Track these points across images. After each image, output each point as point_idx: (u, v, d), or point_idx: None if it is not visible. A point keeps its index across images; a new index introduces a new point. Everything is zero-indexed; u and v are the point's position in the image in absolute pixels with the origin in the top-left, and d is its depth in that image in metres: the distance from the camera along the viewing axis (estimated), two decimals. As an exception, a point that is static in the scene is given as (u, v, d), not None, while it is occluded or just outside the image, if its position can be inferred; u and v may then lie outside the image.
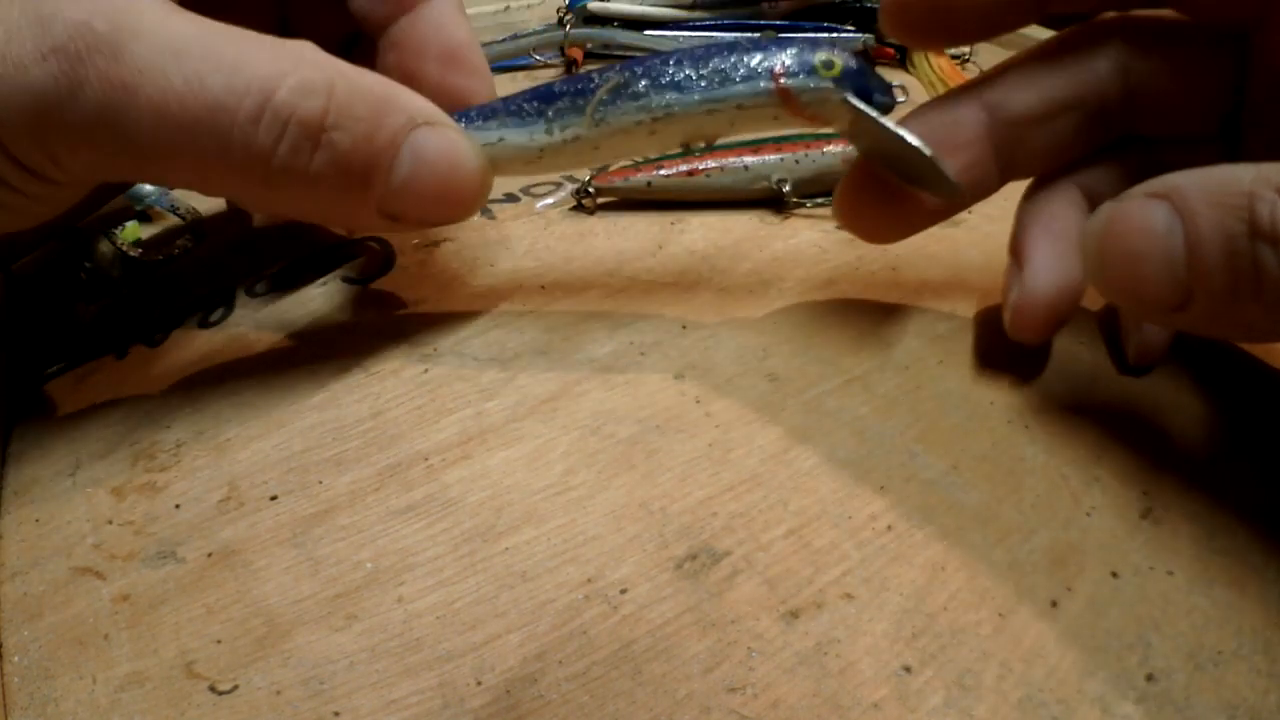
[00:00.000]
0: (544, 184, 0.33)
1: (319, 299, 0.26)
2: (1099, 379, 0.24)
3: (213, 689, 0.16)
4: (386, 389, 0.23)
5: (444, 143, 0.21)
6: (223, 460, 0.21)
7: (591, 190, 0.31)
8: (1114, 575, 0.19)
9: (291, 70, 0.19)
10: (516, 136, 0.23)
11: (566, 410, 0.22)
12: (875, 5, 0.49)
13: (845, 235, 0.29)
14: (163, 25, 0.18)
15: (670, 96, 0.22)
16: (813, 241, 0.30)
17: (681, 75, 0.22)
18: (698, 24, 0.48)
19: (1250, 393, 0.24)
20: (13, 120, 0.17)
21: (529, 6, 0.51)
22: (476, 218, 0.30)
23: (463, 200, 0.22)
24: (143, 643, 0.17)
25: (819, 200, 0.32)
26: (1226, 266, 0.16)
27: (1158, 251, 0.17)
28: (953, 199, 0.23)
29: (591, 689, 0.16)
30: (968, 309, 0.26)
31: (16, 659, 0.17)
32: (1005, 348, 0.25)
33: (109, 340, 0.24)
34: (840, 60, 0.22)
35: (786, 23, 0.48)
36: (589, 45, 0.46)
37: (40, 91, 0.17)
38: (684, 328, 0.25)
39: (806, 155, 0.31)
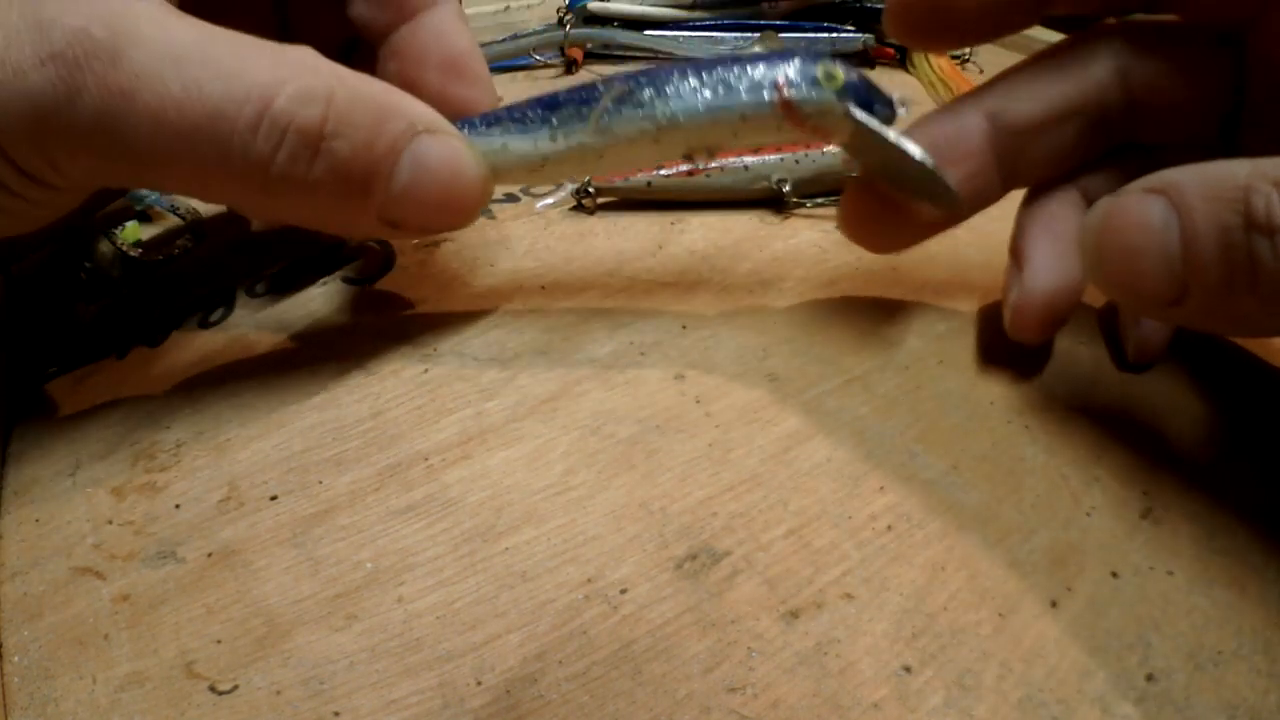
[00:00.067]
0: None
1: (319, 299, 0.26)
2: (1099, 379, 0.24)
3: (213, 689, 0.16)
4: (386, 389, 0.23)
5: (445, 150, 0.21)
6: (223, 460, 0.21)
7: (591, 190, 0.31)
8: (1114, 575, 0.19)
9: (290, 77, 0.19)
10: (520, 144, 0.22)
11: (566, 410, 0.22)
12: (875, 5, 0.49)
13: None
14: (161, 31, 0.18)
15: (675, 106, 0.22)
16: (813, 241, 0.30)
17: (686, 86, 0.22)
18: (698, 24, 0.48)
19: (1250, 393, 0.24)
20: (12, 125, 0.17)
21: (529, 6, 0.51)
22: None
23: (463, 207, 0.22)
24: (143, 643, 0.17)
25: (819, 200, 0.32)
26: (1222, 260, 0.16)
27: (1154, 245, 0.17)
28: (953, 210, 0.23)
29: (591, 689, 0.16)
30: (968, 309, 0.26)
31: (16, 659, 0.17)
32: (1005, 347, 0.25)
33: (109, 341, 0.24)
34: (842, 72, 0.22)
35: (786, 23, 0.48)
36: (589, 45, 0.46)
37: (39, 98, 0.17)
38: (684, 328, 0.25)
39: (806, 155, 0.31)
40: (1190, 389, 0.24)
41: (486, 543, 0.19)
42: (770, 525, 0.19)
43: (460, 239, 0.29)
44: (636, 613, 0.18)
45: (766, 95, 0.22)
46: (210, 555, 0.18)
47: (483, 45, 0.44)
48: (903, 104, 0.23)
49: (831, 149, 0.32)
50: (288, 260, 0.28)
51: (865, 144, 0.22)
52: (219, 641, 0.17)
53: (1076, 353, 0.25)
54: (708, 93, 0.22)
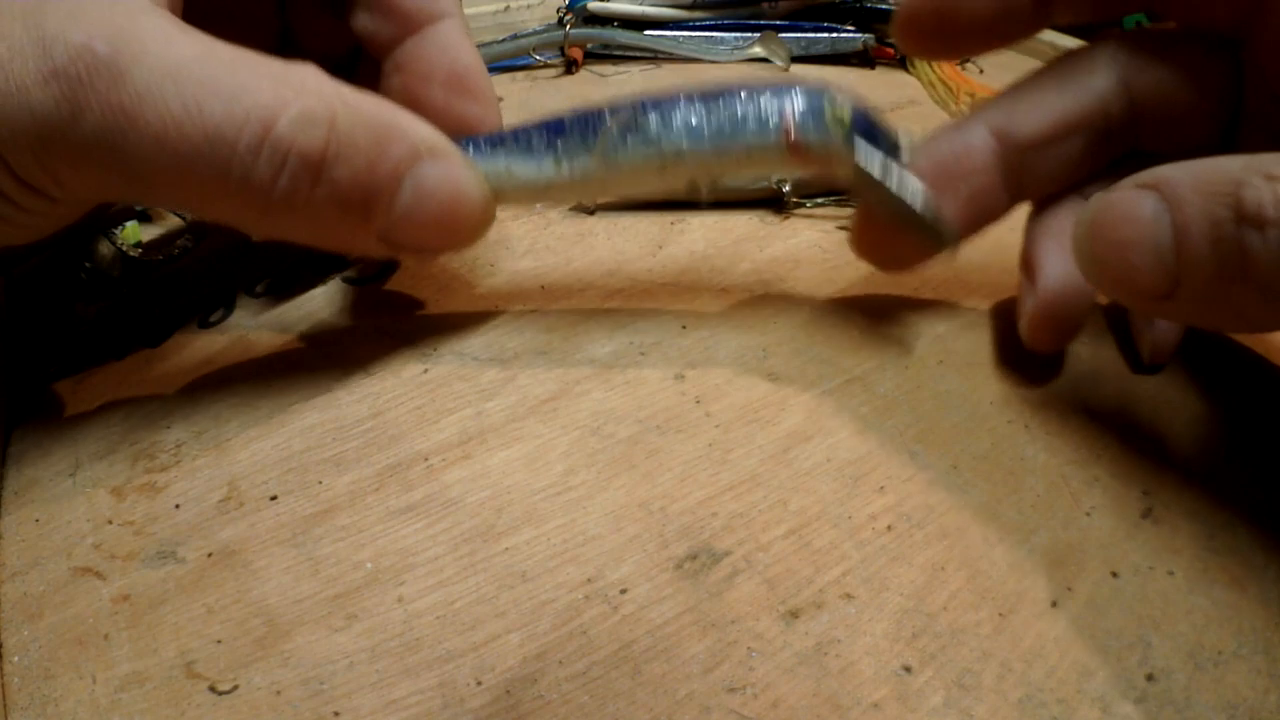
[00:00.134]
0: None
1: (319, 300, 0.26)
2: (1099, 379, 0.24)
3: (213, 689, 0.16)
4: (386, 389, 0.23)
5: (447, 174, 0.21)
6: (223, 460, 0.21)
7: (591, 190, 0.31)
8: (1114, 575, 0.19)
9: (293, 99, 0.18)
10: (524, 169, 0.22)
11: (566, 410, 0.22)
12: (875, 5, 0.49)
13: (845, 235, 0.29)
14: (165, 47, 0.18)
15: (681, 139, 0.22)
16: (813, 241, 0.30)
17: (693, 117, 0.22)
18: (698, 24, 0.48)
19: (1250, 393, 0.24)
20: (15, 139, 0.17)
21: (529, 6, 0.51)
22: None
23: (465, 231, 0.22)
24: (143, 643, 0.17)
25: (819, 200, 0.32)
26: (1213, 253, 0.16)
27: (1145, 239, 0.17)
28: (949, 250, 0.23)
29: (591, 689, 0.16)
30: (968, 309, 0.26)
31: (16, 659, 0.17)
32: (1005, 347, 0.25)
33: (110, 343, 0.24)
34: (849, 112, 0.22)
35: (786, 23, 0.48)
36: (589, 45, 0.46)
37: (42, 114, 0.17)
38: (684, 328, 0.25)
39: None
40: (1190, 389, 0.24)
41: (486, 543, 0.19)
42: (770, 525, 0.19)
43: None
44: (636, 613, 0.18)
45: (773, 132, 0.22)
46: (210, 555, 0.18)
47: (483, 45, 0.44)
48: (905, 142, 0.23)
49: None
50: (288, 261, 0.28)
51: (865, 182, 0.23)
52: (219, 641, 0.17)
53: (1076, 353, 0.25)
54: (714, 127, 0.22)
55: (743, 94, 0.22)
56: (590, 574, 0.18)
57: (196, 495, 0.20)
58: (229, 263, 0.28)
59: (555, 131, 0.22)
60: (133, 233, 0.28)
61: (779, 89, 0.22)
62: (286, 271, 0.27)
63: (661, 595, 0.18)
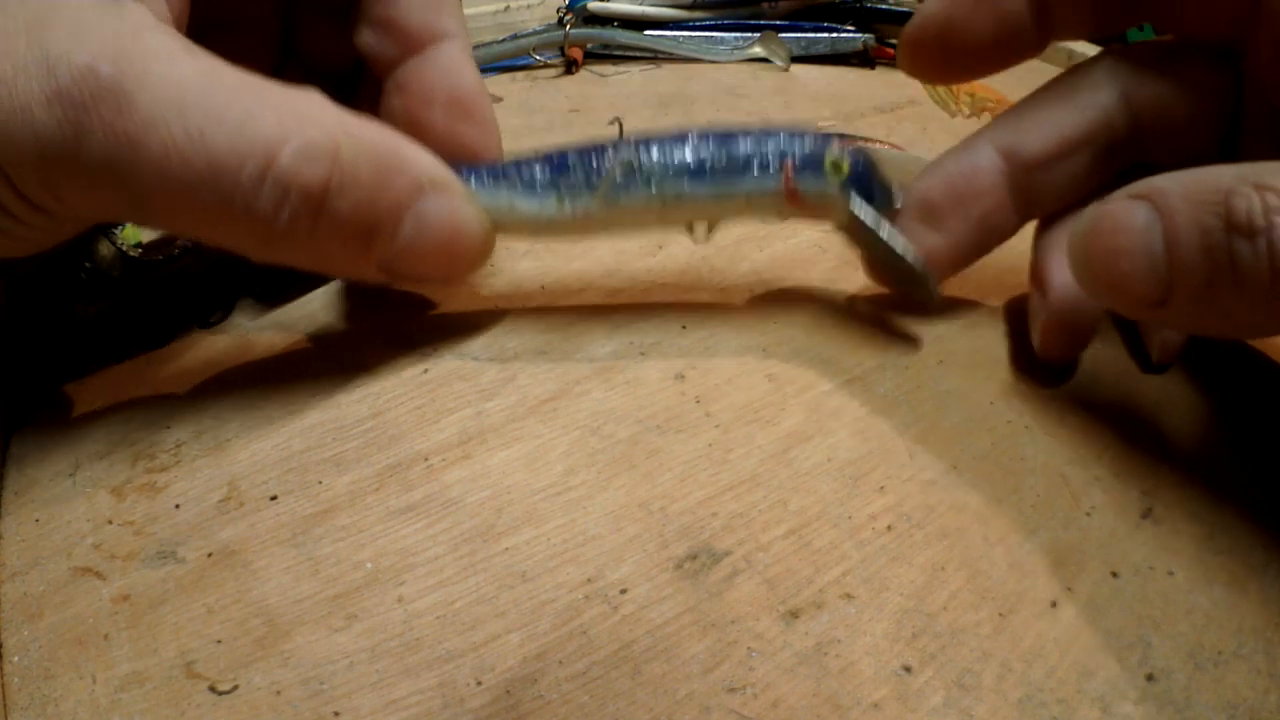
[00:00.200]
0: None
1: (319, 300, 0.26)
2: (1099, 379, 0.24)
3: (213, 689, 0.16)
4: (386, 389, 0.23)
5: (448, 209, 0.21)
6: (223, 460, 0.21)
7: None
8: (1114, 575, 0.19)
9: (296, 130, 0.18)
10: (526, 205, 0.23)
11: (566, 410, 0.22)
12: (875, 5, 0.49)
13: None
14: (169, 70, 0.18)
15: (682, 183, 0.22)
16: (813, 241, 0.30)
17: (695, 161, 0.22)
18: (698, 24, 0.48)
19: (1250, 393, 0.24)
20: (18, 158, 0.17)
21: (529, 6, 0.51)
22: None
23: (465, 264, 0.22)
24: (143, 643, 0.17)
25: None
26: (1204, 261, 0.16)
27: (1138, 248, 0.17)
28: (933, 306, 0.25)
29: (591, 689, 0.16)
30: (968, 308, 0.26)
31: (16, 659, 0.17)
32: (1005, 347, 0.25)
33: (111, 346, 0.24)
34: (849, 162, 0.23)
35: (786, 23, 0.48)
36: (589, 45, 0.46)
37: (45, 136, 0.17)
38: (684, 328, 0.25)
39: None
40: (1191, 389, 0.24)
41: (486, 543, 0.19)
42: (770, 525, 0.19)
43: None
44: (636, 613, 0.18)
45: (773, 180, 0.22)
46: (210, 555, 0.18)
47: (483, 45, 0.44)
48: (900, 194, 0.24)
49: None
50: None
51: (860, 233, 0.24)
52: (219, 641, 0.17)
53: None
54: (715, 174, 0.22)
55: (744, 139, 0.22)
56: (590, 574, 0.18)
57: (196, 495, 0.20)
58: (229, 263, 0.28)
59: (558, 168, 0.23)
60: (133, 233, 0.28)
61: (780, 135, 0.23)
62: (287, 272, 0.27)
63: (661, 595, 0.18)
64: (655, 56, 0.47)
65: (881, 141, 0.36)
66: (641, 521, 0.19)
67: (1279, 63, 0.21)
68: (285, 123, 0.18)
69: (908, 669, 0.17)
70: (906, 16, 0.36)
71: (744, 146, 0.22)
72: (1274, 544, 0.19)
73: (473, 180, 0.22)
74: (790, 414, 0.22)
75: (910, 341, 0.25)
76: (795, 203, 0.23)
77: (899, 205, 0.24)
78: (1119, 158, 0.23)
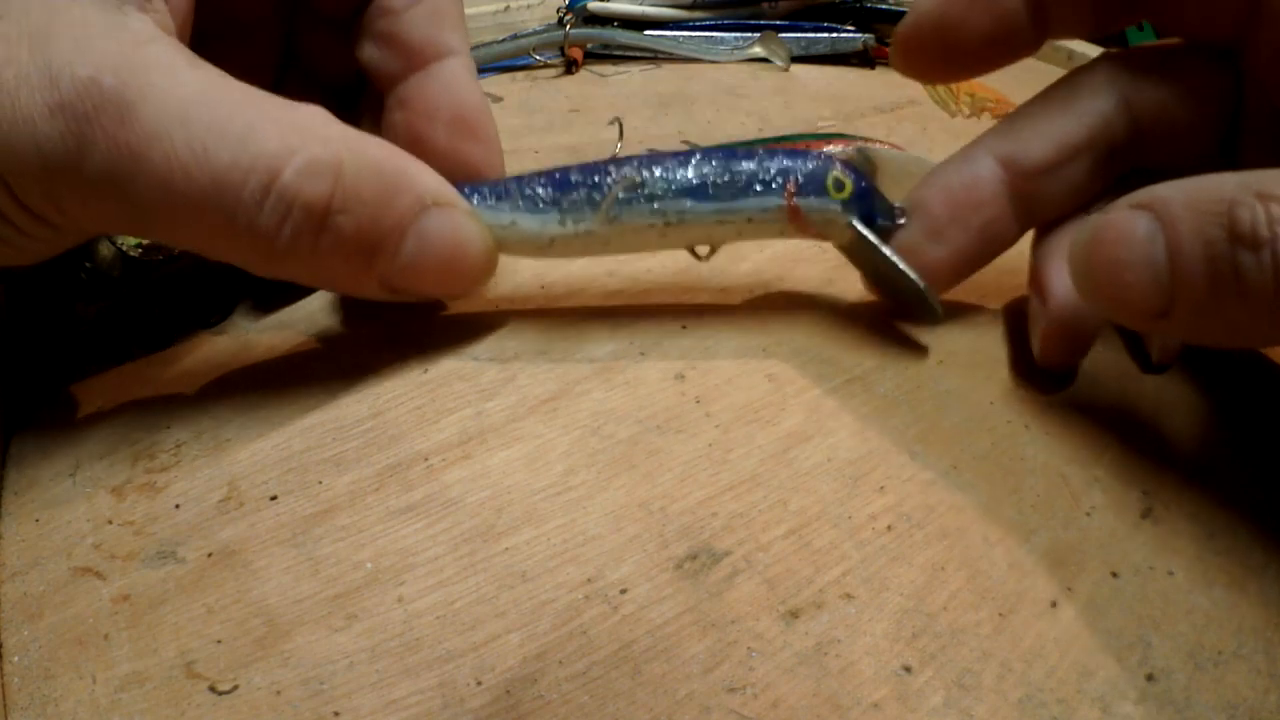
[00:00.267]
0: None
1: (319, 300, 0.26)
2: (1099, 379, 0.24)
3: (213, 689, 0.16)
4: (386, 389, 0.23)
5: (450, 226, 0.21)
6: (223, 460, 0.21)
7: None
8: (1114, 575, 0.19)
9: (299, 146, 0.18)
10: (528, 223, 0.23)
11: (566, 410, 0.22)
12: (875, 5, 0.49)
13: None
14: (172, 82, 0.18)
15: (685, 203, 0.22)
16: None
17: (698, 181, 0.22)
18: (698, 24, 0.48)
19: (1250, 393, 0.24)
20: (21, 169, 0.17)
21: (529, 6, 0.51)
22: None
23: (467, 281, 0.22)
24: (143, 643, 0.17)
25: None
26: (1207, 272, 0.16)
27: (1140, 259, 0.17)
28: (934, 323, 0.24)
29: (591, 689, 0.16)
30: (968, 308, 0.26)
31: (16, 659, 0.17)
32: (1005, 347, 0.25)
33: (112, 348, 0.24)
34: (851, 182, 0.23)
35: (786, 23, 0.48)
36: (589, 45, 0.46)
37: (48, 148, 0.17)
38: (684, 328, 0.25)
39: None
40: (1191, 389, 0.24)
41: (486, 543, 0.19)
42: (770, 525, 0.19)
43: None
44: (636, 613, 0.18)
45: (775, 200, 0.22)
46: (210, 555, 0.18)
47: (483, 45, 0.44)
48: (903, 214, 0.24)
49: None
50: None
51: (862, 252, 0.24)
52: (219, 641, 0.17)
53: (1076, 353, 0.25)
54: (717, 194, 0.22)
55: (746, 159, 0.22)
56: (590, 574, 0.18)
57: (196, 495, 0.20)
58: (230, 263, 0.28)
59: (560, 186, 0.23)
60: (133, 233, 0.28)
61: (782, 155, 0.23)
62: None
63: (661, 595, 0.18)
64: (655, 56, 0.47)
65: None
66: (641, 521, 0.19)
67: (1279, 63, 0.21)
68: (289, 138, 0.18)
69: (908, 669, 0.17)
70: (906, 16, 0.35)
71: (746, 166, 0.22)
72: (1274, 544, 0.19)
73: (475, 198, 0.23)
74: (790, 414, 0.22)
75: (910, 342, 0.25)
76: (797, 222, 0.23)
77: (902, 221, 0.24)
78: (1119, 163, 0.23)
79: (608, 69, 0.45)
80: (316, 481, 0.20)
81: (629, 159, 0.23)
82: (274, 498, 0.20)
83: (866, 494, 0.20)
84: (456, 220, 0.21)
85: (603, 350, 0.24)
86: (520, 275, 0.27)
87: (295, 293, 0.26)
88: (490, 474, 0.20)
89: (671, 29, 0.47)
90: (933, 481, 0.21)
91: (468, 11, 0.26)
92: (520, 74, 0.45)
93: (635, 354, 0.24)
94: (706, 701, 0.16)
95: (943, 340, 0.25)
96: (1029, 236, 0.25)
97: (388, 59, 0.24)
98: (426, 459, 0.21)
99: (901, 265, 0.23)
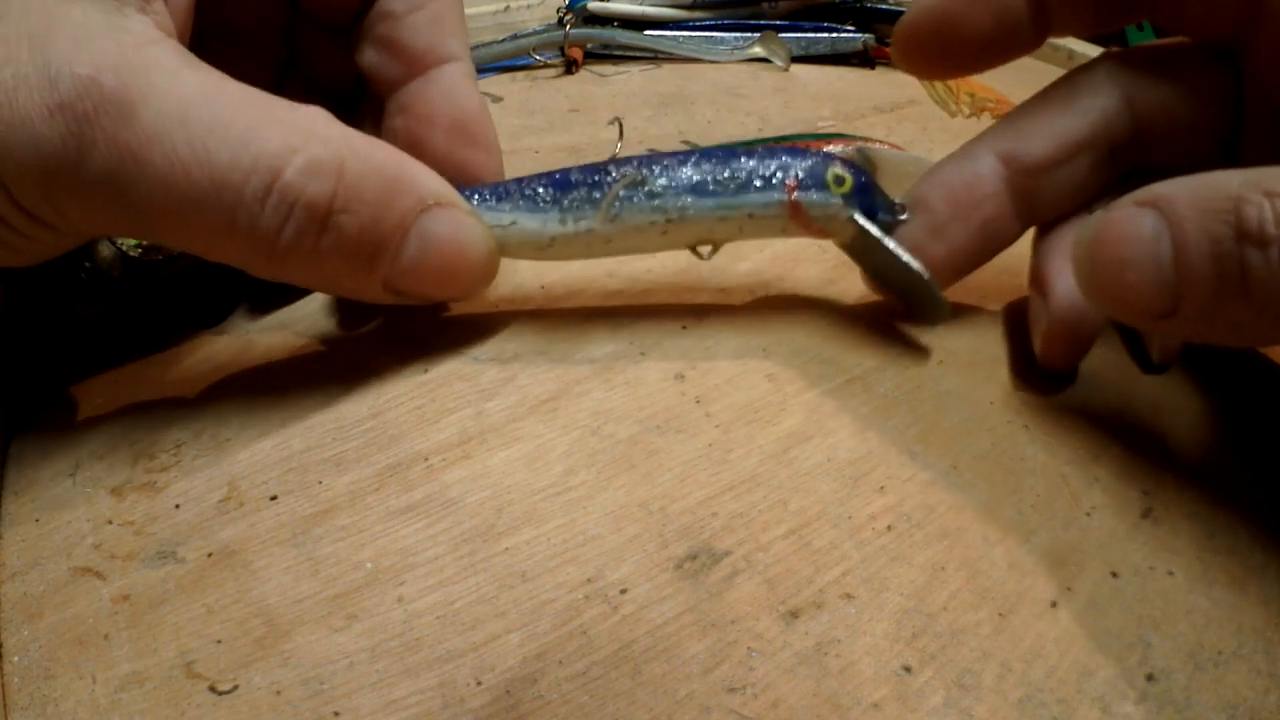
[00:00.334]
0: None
1: (319, 300, 0.26)
2: (1099, 379, 0.24)
3: (213, 689, 0.16)
4: (386, 389, 0.23)
5: (452, 226, 0.21)
6: (223, 460, 0.21)
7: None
8: (1114, 575, 0.19)
9: (300, 146, 0.18)
10: (529, 222, 0.23)
11: (566, 410, 0.22)
12: (875, 5, 0.49)
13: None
14: (173, 83, 0.18)
15: (686, 199, 0.22)
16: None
17: (698, 178, 0.22)
18: (698, 24, 0.48)
19: (1250, 392, 0.24)
20: (19, 171, 0.17)
21: (529, 6, 0.51)
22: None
23: (469, 282, 0.22)
24: (143, 643, 0.17)
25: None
26: (1214, 271, 0.16)
27: (1145, 258, 0.17)
28: (941, 320, 0.24)
29: (591, 689, 0.16)
30: (969, 309, 0.26)
31: (16, 659, 0.17)
32: (1006, 348, 0.25)
33: (113, 348, 0.24)
34: (851, 177, 0.23)
35: (786, 23, 0.48)
36: (589, 45, 0.46)
37: (47, 149, 0.17)
38: (684, 328, 0.25)
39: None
40: (1191, 389, 0.24)
41: (486, 543, 0.19)
42: (770, 525, 0.19)
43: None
44: (636, 613, 0.18)
45: (776, 195, 0.22)
46: (210, 555, 0.18)
47: (483, 45, 0.44)
48: (903, 210, 0.24)
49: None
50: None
51: (865, 248, 0.24)
52: (219, 641, 0.17)
53: (1076, 353, 0.25)
54: (718, 190, 0.22)
55: (746, 157, 0.22)
56: (590, 574, 0.18)
57: (196, 495, 0.20)
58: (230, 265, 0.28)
59: (561, 186, 0.23)
60: (133, 233, 0.28)
61: (782, 153, 0.23)
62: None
63: (661, 595, 0.18)
64: (655, 56, 0.47)
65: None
66: (641, 521, 0.19)
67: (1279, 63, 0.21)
68: (290, 138, 0.18)
69: (908, 669, 0.17)
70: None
71: (746, 163, 0.22)
72: (1274, 544, 0.19)
73: (475, 199, 0.23)
74: (790, 414, 0.22)
75: (910, 342, 0.25)
76: (799, 218, 0.23)
77: (903, 217, 0.24)
78: (1120, 161, 0.23)
79: (608, 69, 0.45)
80: (316, 481, 0.20)
81: (629, 159, 0.23)
82: (274, 498, 0.20)
83: (866, 494, 0.20)
84: (458, 220, 0.21)
85: (603, 350, 0.24)
86: (520, 275, 0.27)
87: (293, 294, 0.26)
88: (490, 474, 0.20)
89: (671, 29, 0.47)
90: (933, 481, 0.21)
91: (468, 11, 0.26)
92: (520, 74, 0.45)
93: (635, 354, 0.24)
94: (706, 701, 0.16)
95: (943, 340, 0.25)
96: (1029, 236, 0.25)
97: (388, 64, 0.24)
98: (426, 459, 0.21)
99: (905, 257, 0.22)
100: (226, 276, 0.26)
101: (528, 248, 0.23)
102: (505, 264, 0.23)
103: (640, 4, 0.48)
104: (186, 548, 0.19)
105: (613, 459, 0.21)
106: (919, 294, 0.23)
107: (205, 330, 0.25)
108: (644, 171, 0.22)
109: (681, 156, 0.23)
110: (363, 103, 0.27)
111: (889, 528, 0.19)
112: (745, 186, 0.22)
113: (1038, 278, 0.23)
